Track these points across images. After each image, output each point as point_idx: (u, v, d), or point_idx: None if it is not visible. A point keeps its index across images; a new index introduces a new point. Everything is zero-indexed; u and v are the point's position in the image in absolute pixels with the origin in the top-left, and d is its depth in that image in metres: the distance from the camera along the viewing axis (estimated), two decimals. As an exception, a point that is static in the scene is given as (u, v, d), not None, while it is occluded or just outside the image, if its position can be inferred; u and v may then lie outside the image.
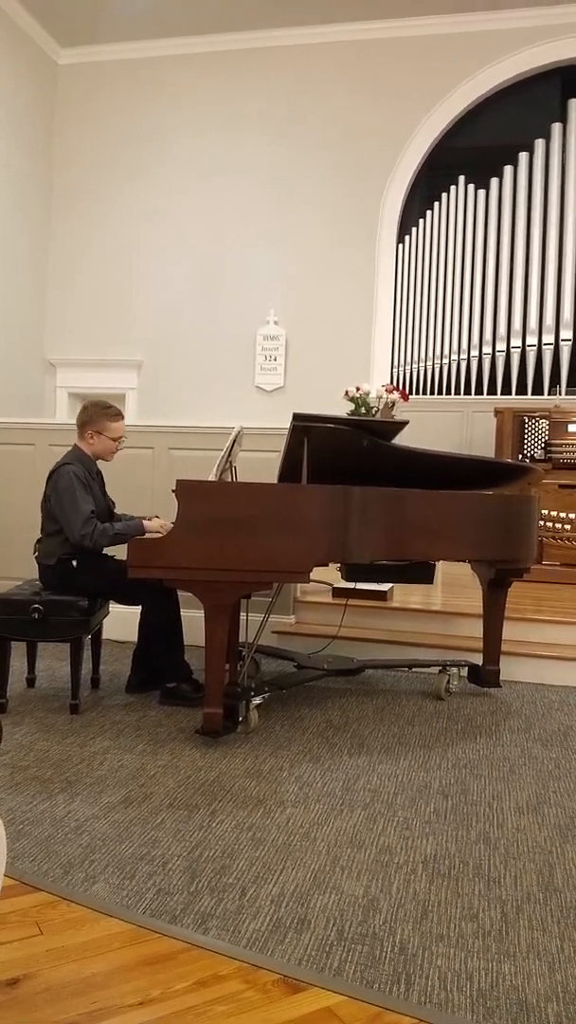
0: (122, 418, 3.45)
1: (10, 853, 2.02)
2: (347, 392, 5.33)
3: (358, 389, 5.31)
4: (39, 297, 7.70)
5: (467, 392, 6.86)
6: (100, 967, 1.60)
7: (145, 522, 3.27)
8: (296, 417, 2.95)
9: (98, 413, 3.38)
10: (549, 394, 6.59)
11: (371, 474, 3.31)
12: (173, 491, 2.87)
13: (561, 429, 5.65)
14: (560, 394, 6.55)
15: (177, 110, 7.55)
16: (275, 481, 3.53)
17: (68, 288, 7.77)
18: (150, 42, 7.50)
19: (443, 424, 6.68)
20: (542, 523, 5.45)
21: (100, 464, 3.49)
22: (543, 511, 5.47)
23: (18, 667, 3.44)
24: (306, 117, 7.27)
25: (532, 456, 5.70)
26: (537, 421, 5.73)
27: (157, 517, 3.42)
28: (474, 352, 6.87)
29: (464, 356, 6.89)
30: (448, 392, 6.92)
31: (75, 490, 3.20)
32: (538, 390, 6.65)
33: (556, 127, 6.70)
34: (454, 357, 6.92)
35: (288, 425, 3.00)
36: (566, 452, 5.59)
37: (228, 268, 7.44)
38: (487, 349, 6.83)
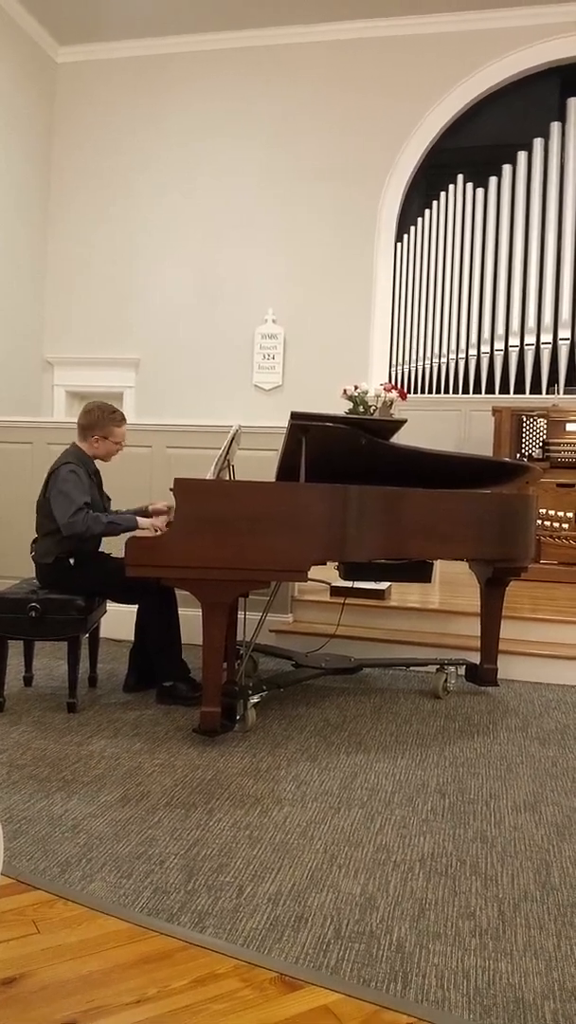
0: (125, 422, 3.46)
1: (7, 852, 2.02)
2: (345, 391, 5.33)
3: (356, 388, 5.31)
4: (37, 295, 7.68)
5: (465, 391, 6.87)
6: (97, 965, 1.60)
7: (140, 519, 3.25)
8: (294, 416, 2.95)
9: (104, 418, 3.38)
10: (547, 393, 6.59)
11: (369, 473, 3.31)
12: (171, 490, 2.87)
13: (559, 428, 5.65)
14: (558, 393, 6.56)
15: (175, 108, 7.54)
16: (273, 480, 3.53)
17: (66, 286, 7.76)
18: (149, 40, 7.49)
19: (441, 423, 6.68)
20: (540, 522, 5.46)
21: (97, 464, 3.49)
22: (541, 510, 5.47)
23: (15, 666, 3.43)
24: (305, 115, 7.26)
25: (530, 455, 5.70)
26: (535, 420, 5.73)
27: (153, 507, 3.41)
28: (472, 351, 6.87)
29: (462, 355, 6.89)
30: (446, 391, 6.92)
31: (71, 486, 3.20)
32: (536, 389, 6.66)
33: (555, 126, 6.70)
34: (452, 356, 6.92)
35: (286, 424, 3.00)
36: (564, 451, 5.60)
37: (226, 267, 7.44)
38: (485, 348, 6.83)
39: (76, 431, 3.44)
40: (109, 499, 3.56)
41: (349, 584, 4.09)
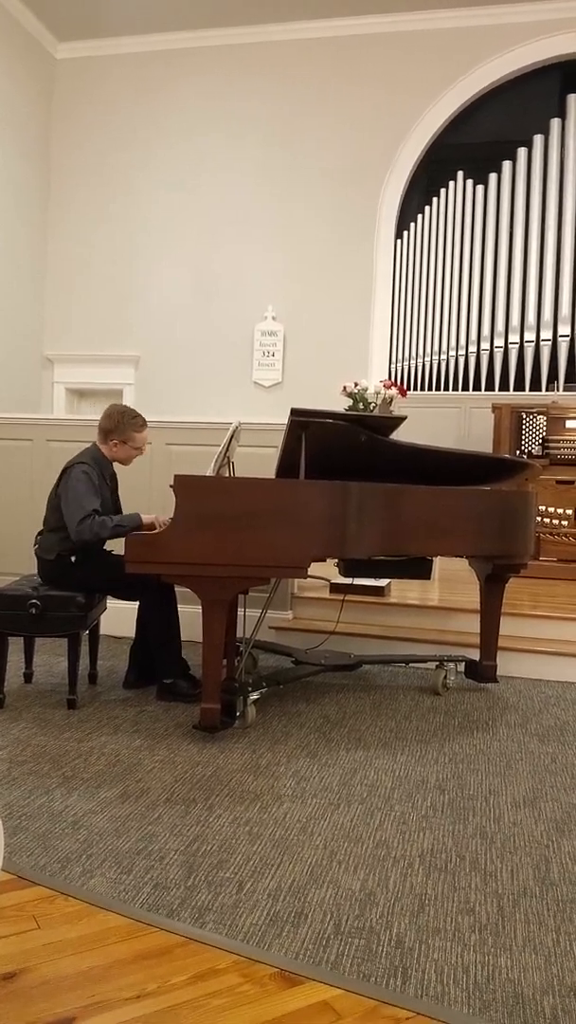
0: (147, 426, 3.44)
1: (7, 848, 2.02)
2: (345, 388, 5.32)
3: (356, 385, 5.30)
4: (37, 294, 7.67)
5: (465, 388, 6.86)
6: (97, 961, 1.60)
7: (143, 516, 3.26)
8: (294, 412, 2.95)
9: (125, 423, 3.37)
10: (547, 390, 6.58)
11: (369, 469, 3.31)
12: (171, 486, 2.87)
13: (559, 425, 5.65)
14: (558, 390, 6.55)
15: (175, 104, 7.53)
16: (273, 476, 3.53)
17: (66, 283, 7.75)
18: (148, 36, 7.47)
19: (441, 420, 6.68)
20: (539, 519, 5.46)
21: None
22: (540, 507, 5.47)
23: (15, 662, 3.44)
24: (305, 112, 7.25)
25: (530, 452, 5.70)
26: (535, 417, 5.73)
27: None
28: (472, 348, 6.86)
29: (462, 352, 6.89)
30: (446, 388, 6.92)
31: (83, 489, 3.20)
32: (536, 386, 6.65)
33: (555, 122, 6.69)
34: (452, 353, 6.92)
35: (286, 420, 3.00)
36: (564, 448, 5.60)
37: (226, 264, 7.43)
38: (485, 345, 6.83)
39: (96, 432, 3.43)
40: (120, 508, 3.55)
41: (349, 581, 4.09)
